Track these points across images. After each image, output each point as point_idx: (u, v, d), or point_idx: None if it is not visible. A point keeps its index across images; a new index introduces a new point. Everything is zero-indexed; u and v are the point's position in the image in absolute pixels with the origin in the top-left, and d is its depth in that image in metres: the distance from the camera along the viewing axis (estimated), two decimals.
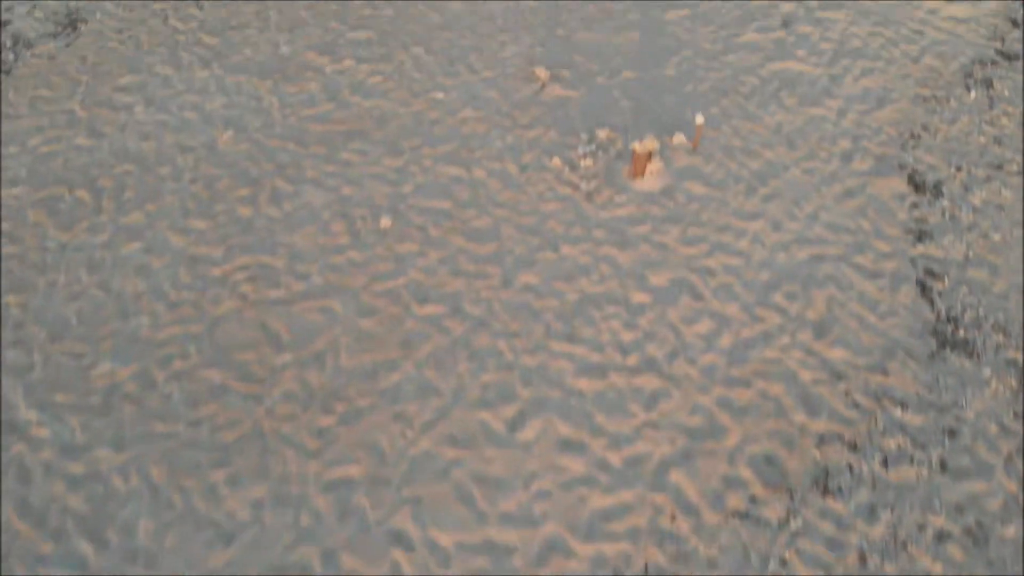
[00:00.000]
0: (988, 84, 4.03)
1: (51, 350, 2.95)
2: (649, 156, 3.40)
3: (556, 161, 3.52)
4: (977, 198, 3.50)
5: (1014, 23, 4.37)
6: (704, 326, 3.02)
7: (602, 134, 3.62)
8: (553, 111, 3.64)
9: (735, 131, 3.57)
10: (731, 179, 3.43)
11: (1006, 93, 3.99)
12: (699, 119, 3.47)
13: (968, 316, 3.11)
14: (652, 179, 3.42)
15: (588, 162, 3.51)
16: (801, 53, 4.04)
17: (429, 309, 3.05)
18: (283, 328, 2.99)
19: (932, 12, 4.36)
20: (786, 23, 4.19)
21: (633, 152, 3.41)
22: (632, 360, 2.92)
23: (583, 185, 3.45)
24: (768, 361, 2.94)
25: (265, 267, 3.18)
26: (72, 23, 4.16)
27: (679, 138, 3.58)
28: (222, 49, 4.01)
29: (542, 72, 3.88)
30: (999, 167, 3.64)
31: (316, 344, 2.94)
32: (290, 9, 4.21)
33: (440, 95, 3.81)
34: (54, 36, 4.10)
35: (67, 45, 4.05)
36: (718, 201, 3.33)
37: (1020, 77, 4.06)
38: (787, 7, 4.32)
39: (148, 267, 3.17)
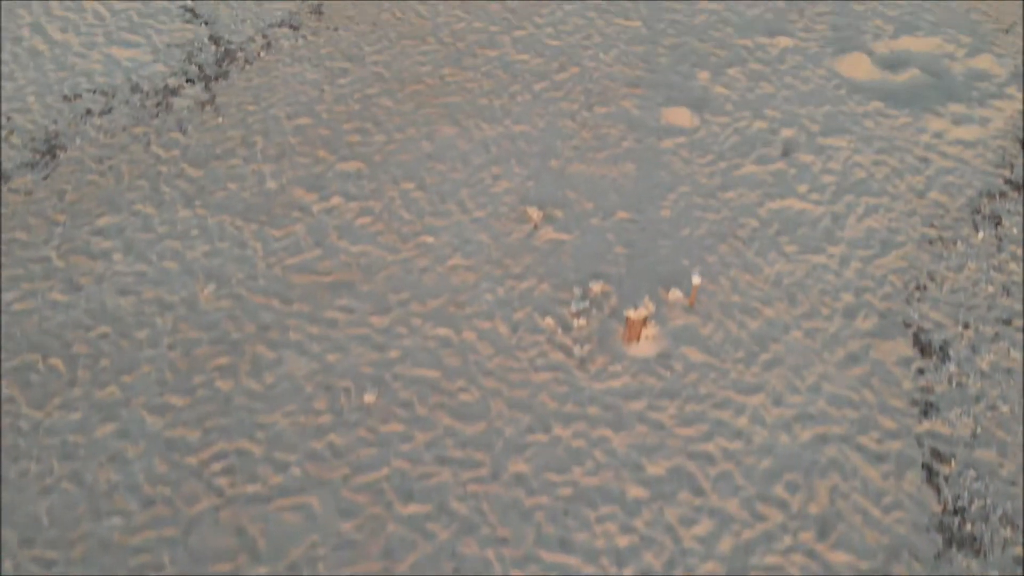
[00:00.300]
0: (996, 221, 3.91)
1: (21, 557, 2.82)
2: (644, 321, 3.27)
3: (548, 321, 3.40)
4: (985, 361, 3.37)
5: None
6: (703, 527, 2.90)
7: (596, 287, 3.49)
8: (546, 258, 3.51)
9: (734, 284, 3.45)
10: (730, 343, 3.30)
11: (1015, 231, 3.87)
12: (696, 279, 3.35)
13: (975, 506, 2.98)
14: (647, 344, 3.30)
15: (581, 321, 3.39)
16: (802, 189, 3.92)
17: (413, 508, 2.92)
18: (259, 533, 2.86)
19: (938, 135, 4.24)
20: (786, 151, 4.07)
21: (627, 319, 3.28)
22: (628, 572, 2.79)
23: (576, 350, 3.32)
24: (770, 568, 2.82)
25: (243, 454, 3.06)
26: (51, 150, 4.04)
27: (675, 294, 3.46)
28: (205, 183, 3.88)
29: (534, 213, 3.76)
30: (1007, 322, 3.52)
31: (293, 554, 2.82)
32: (277, 134, 4.09)
33: (430, 239, 3.69)
34: (32, 166, 3.98)
35: (44, 178, 3.93)
36: (717, 371, 3.21)
37: None
38: (787, 132, 4.19)
39: (123, 455, 3.05)
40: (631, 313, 3.22)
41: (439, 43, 4.75)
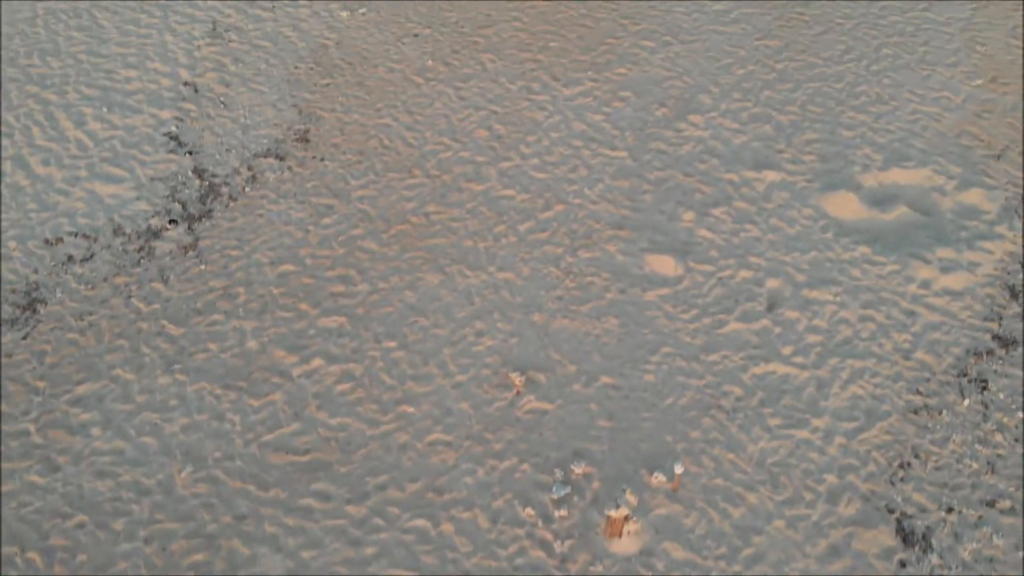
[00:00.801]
0: (983, 385, 3.87)
1: None
2: (626, 518, 3.24)
3: (529, 511, 3.37)
4: (967, 551, 3.34)
5: (1012, 293, 4.22)
6: None
7: (578, 470, 3.46)
8: (528, 433, 3.48)
9: (717, 465, 3.41)
10: (712, 537, 3.27)
11: (1001, 396, 3.84)
12: (678, 468, 3.32)
13: None
14: (630, 540, 3.26)
15: (563, 512, 3.36)
16: (787, 351, 3.88)
17: None
18: None
19: (925, 285, 4.21)
20: (771, 306, 4.04)
21: (609, 517, 3.25)
22: None
23: (557, 546, 3.29)
24: None
25: None
26: (31, 304, 4.01)
27: (659, 478, 3.43)
28: (185, 343, 3.85)
29: (517, 379, 3.73)
30: (991, 504, 3.48)
31: None
32: (260, 284, 4.06)
33: (411, 409, 3.65)
34: (12, 323, 3.95)
35: (24, 337, 3.90)
36: (699, 568, 3.17)
37: (1018, 372, 3.90)
38: (773, 283, 4.16)
39: None
40: (612, 512, 3.19)
41: (425, 175, 4.72)
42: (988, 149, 4.96)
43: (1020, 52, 5.64)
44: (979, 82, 5.38)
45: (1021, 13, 6.01)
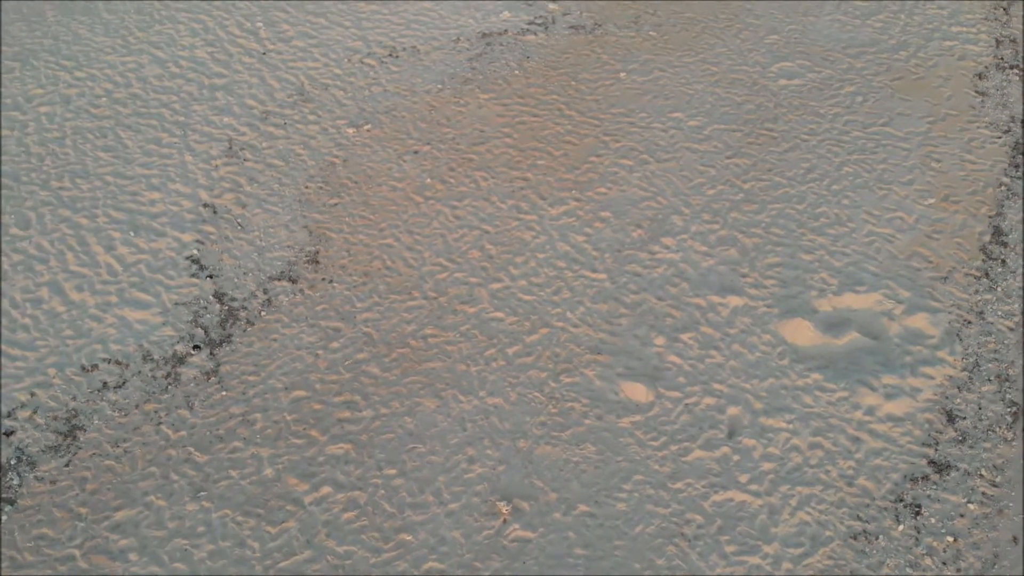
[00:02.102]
0: (916, 510, 4.37)
1: None
2: None
3: None
4: None
5: (950, 417, 4.72)
6: None
7: None
8: (512, 561, 3.97)
9: None
10: None
11: (932, 521, 4.33)
12: None
13: None
14: None
15: None
16: (743, 478, 4.38)
17: None
18: None
19: (870, 411, 4.72)
20: (731, 433, 4.54)
21: None
22: None
23: None
24: None
25: None
26: (71, 431, 4.51)
27: None
28: (210, 471, 4.35)
29: (504, 508, 4.23)
30: None
31: None
32: (275, 411, 4.57)
33: (409, 537, 4.15)
34: (55, 450, 4.45)
35: (67, 464, 4.40)
36: None
37: (951, 497, 4.40)
38: (733, 411, 4.67)
39: None
40: None
41: (424, 297, 5.23)
42: (936, 271, 5.48)
43: (972, 168, 6.16)
44: (931, 201, 5.90)
45: (976, 125, 6.54)
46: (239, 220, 5.65)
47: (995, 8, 7.82)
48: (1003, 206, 5.96)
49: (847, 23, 7.44)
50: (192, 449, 4.50)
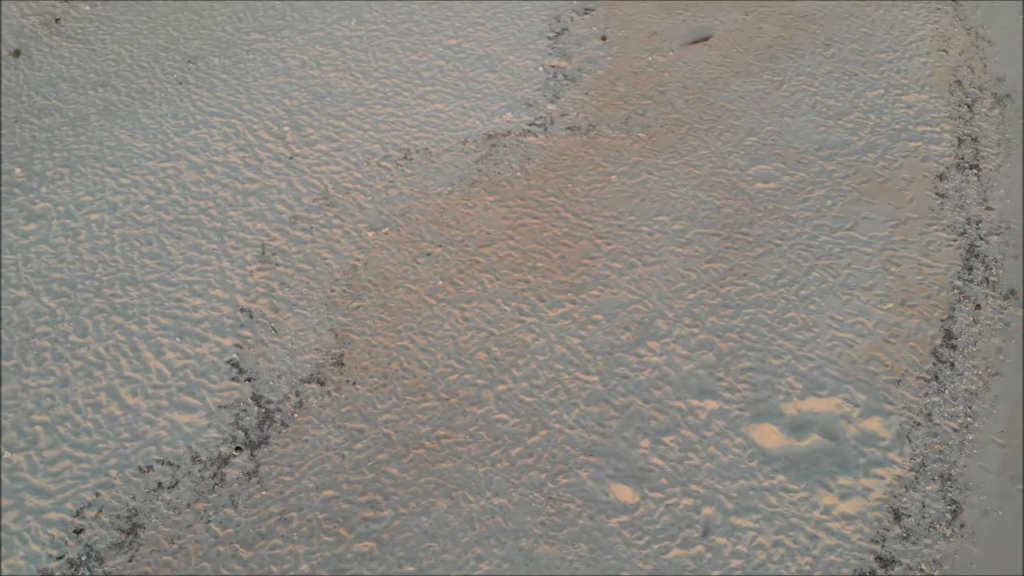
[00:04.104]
0: None
1: None
2: None
3: None
4: None
5: (896, 515, 5.44)
6: None
7: None
8: None
9: None
10: None
11: None
12: None
13: None
14: None
15: None
16: (715, 575, 5.10)
17: None
18: None
19: (827, 511, 5.43)
20: (705, 531, 5.26)
21: None
22: None
23: None
24: None
25: None
26: (133, 528, 5.23)
27: None
28: (254, 566, 5.07)
29: None
30: None
31: None
32: (308, 510, 5.28)
33: None
34: (119, 546, 5.17)
35: (130, 560, 5.11)
36: None
37: None
38: (708, 511, 5.38)
39: None
40: None
41: (437, 399, 5.96)
42: (891, 375, 6.20)
43: (928, 272, 6.89)
44: (890, 306, 6.63)
45: (934, 228, 7.27)
46: (273, 324, 6.38)
47: (959, 105, 8.56)
48: (954, 309, 6.67)
49: (821, 123, 8.17)
50: (238, 546, 5.22)
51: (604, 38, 9.16)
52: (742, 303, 6.59)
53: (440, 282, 6.75)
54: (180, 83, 8.07)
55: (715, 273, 6.81)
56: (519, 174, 7.71)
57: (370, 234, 7.05)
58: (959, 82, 8.64)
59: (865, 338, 6.37)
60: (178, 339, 6.19)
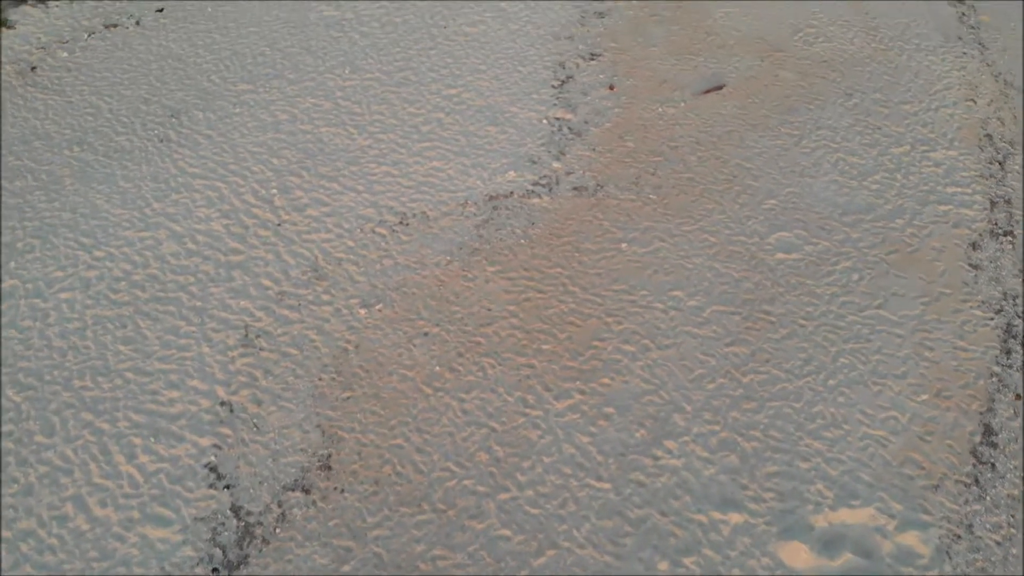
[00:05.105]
0: None
1: None
2: None
3: None
4: None
5: None
6: None
7: None
8: None
9: None
10: None
11: None
12: None
13: None
14: None
15: None
16: None
17: None
18: None
19: None
20: None
21: None
22: None
23: None
24: None
25: None
26: None
27: None
28: None
29: None
30: None
31: None
32: None
33: None
34: None
35: None
36: None
37: None
38: None
39: None
40: None
41: (433, 510, 5.43)
42: (927, 478, 5.67)
43: (964, 356, 6.36)
44: (924, 397, 6.10)
45: (969, 305, 6.74)
46: (255, 420, 5.86)
47: (990, 163, 8.04)
48: (993, 400, 6.15)
49: (844, 184, 7.65)
50: None
51: (612, 87, 8.63)
52: (766, 395, 6.06)
53: (438, 368, 6.23)
54: (161, 140, 7.55)
55: (736, 359, 6.29)
56: (522, 241, 7.19)
57: (362, 311, 6.53)
58: (989, 136, 8.12)
59: (899, 436, 5.85)
60: (152, 439, 5.67)
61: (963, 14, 9.68)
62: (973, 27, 9.51)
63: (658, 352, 6.49)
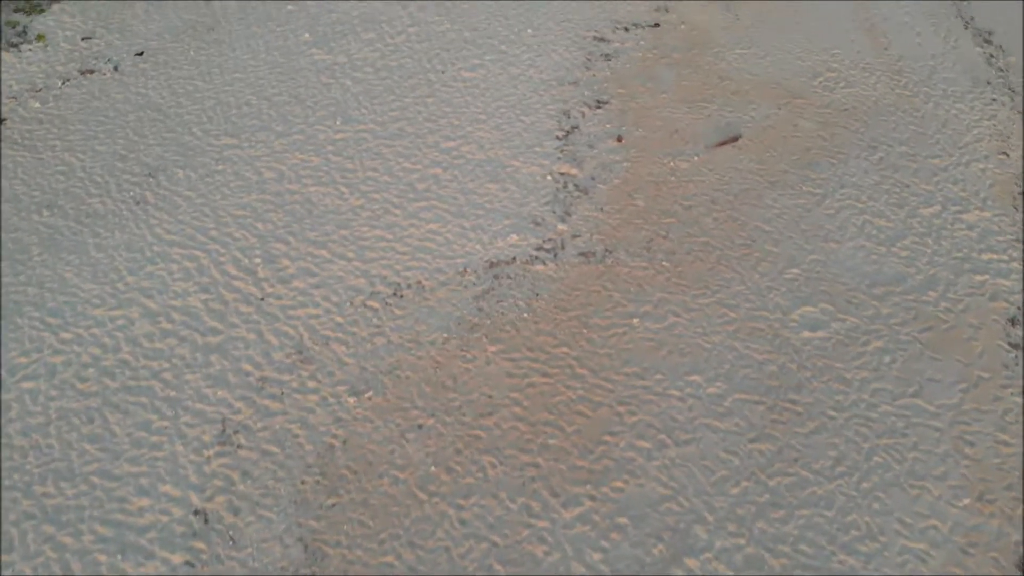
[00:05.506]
0: None
1: None
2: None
3: None
4: None
5: None
6: None
7: None
8: None
9: None
10: None
11: None
12: None
13: None
14: None
15: None
16: None
17: None
18: None
19: None
20: None
21: None
22: None
23: None
24: None
25: None
26: None
27: None
28: None
29: None
30: None
31: None
32: None
33: None
34: None
35: None
36: None
37: None
38: None
39: None
40: None
41: None
42: None
43: (1007, 453, 5.80)
44: (966, 501, 5.54)
45: (1010, 392, 6.18)
46: (231, 533, 5.30)
47: None
48: None
49: (872, 251, 7.10)
50: None
51: (620, 139, 8.08)
52: (795, 501, 5.50)
53: (433, 468, 5.67)
54: (137, 203, 7.00)
55: (761, 458, 5.73)
56: (526, 315, 6.64)
57: (351, 400, 5.97)
58: None
59: (940, 549, 5.29)
60: (119, 556, 5.12)
61: (991, 56, 9.13)
62: (1002, 70, 8.97)
63: (676, 449, 5.92)
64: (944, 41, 9.22)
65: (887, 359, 6.47)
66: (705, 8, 9.74)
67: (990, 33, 9.43)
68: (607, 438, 6.01)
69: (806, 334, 6.62)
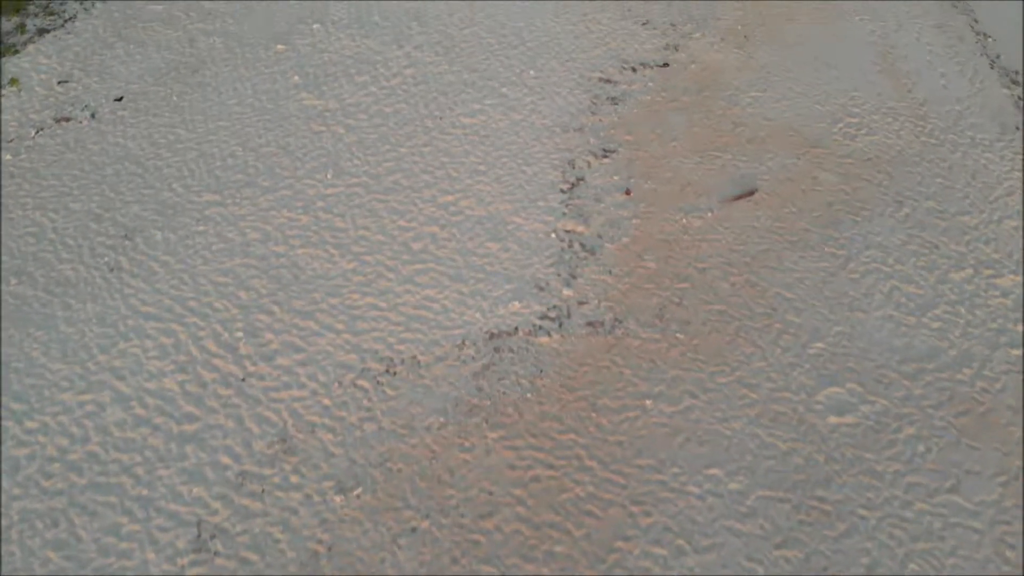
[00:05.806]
0: None
1: None
2: None
3: None
4: None
5: None
6: None
7: None
8: None
9: None
10: None
11: None
12: None
13: None
14: None
15: None
16: None
17: None
18: None
19: None
20: None
21: None
22: None
23: None
24: None
25: None
26: None
27: None
28: None
29: None
30: None
31: None
32: None
33: None
34: None
35: None
36: None
37: None
38: None
39: None
40: None
41: None
42: None
43: None
44: None
45: None
46: None
47: None
48: None
49: (901, 322, 6.58)
50: None
51: (628, 192, 7.59)
52: None
53: None
54: (112, 269, 6.49)
55: (788, 567, 5.21)
56: (529, 395, 6.13)
57: (338, 499, 5.46)
58: None
59: None
60: None
61: (1019, 98, 8.62)
62: None
63: (695, 557, 5.40)
64: (970, 83, 8.72)
65: (921, 448, 5.95)
66: (716, 46, 9.23)
67: (1017, 73, 8.93)
68: (620, 544, 5.49)
69: (833, 419, 6.10)
